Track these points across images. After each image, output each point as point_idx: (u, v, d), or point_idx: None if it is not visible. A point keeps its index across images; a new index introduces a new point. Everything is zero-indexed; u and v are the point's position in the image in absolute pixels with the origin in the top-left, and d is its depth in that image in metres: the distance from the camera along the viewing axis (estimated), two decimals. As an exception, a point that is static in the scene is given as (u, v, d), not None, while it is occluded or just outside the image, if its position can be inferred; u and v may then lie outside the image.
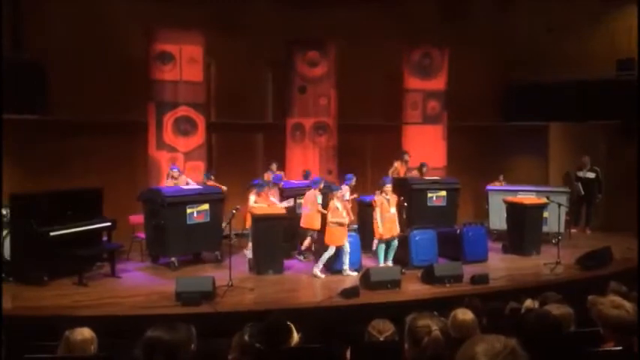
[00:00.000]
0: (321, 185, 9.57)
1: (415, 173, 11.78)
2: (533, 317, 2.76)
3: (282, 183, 10.18)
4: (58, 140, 10.61)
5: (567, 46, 12.51)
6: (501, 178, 12.45)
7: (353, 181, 9.74)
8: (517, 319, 3.10)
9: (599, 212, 12.72)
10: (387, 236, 9.07)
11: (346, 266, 8.89)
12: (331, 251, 8.79)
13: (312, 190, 9.54)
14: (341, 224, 8.77)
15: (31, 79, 9.90)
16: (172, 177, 9.86)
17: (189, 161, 10.83)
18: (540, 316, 2.75)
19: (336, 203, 8.83)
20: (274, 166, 10.90)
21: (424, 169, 11.73)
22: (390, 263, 9.10)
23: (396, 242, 9.17)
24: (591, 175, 12.45)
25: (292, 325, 3.74)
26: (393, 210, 9.07)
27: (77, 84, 10.47)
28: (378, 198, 9.09)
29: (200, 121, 10.98)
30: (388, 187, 9.10)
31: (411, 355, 2.62)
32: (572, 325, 3.84)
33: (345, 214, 8.81)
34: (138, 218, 9.87)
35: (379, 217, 8.98)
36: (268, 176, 10.47)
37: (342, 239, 8.83)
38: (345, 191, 9.18)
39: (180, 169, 10.16)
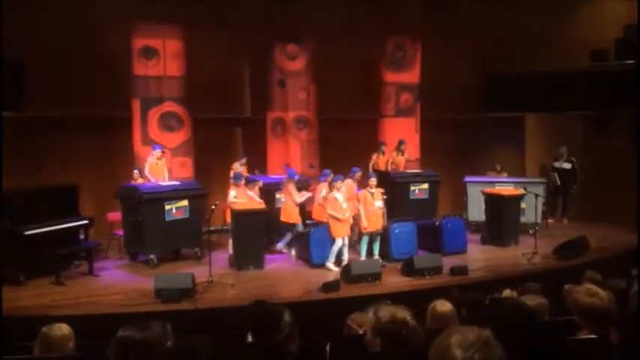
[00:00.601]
0: (330, 178, 9.42)
1: (395, 154, 11.85)
2: (506, 306, 2.78)
3: (297, 177, 10.12)
4: (38, 137, 10.44)
5: (543, 37, 12.62)
6: (499, 167, 12.47)
7: (358, 175, 9.74)
8: (492, 309, 3.12)
9: (575, 202, 12.89)
10: (370, 230, 9.10)
11: (332, 259, 8.92)
12: (339, 243, 8.86)
13: (322, 183, 9.55)
14: (337, 219, 8.81)
15: (9, 76, 9.68)
16: (155, 157, 9.92)
17: (175, 157, 10.72)
18: (513, 306, 2.77)
19: (335, 195, 8.87)
20: (244, 160, 10.83)
21: (402, 147, 11.87)
22: (377, 256, 9.12)
23: (379, 236, 9.22)
24: (567, 165, 12.60)
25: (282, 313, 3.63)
26: (378, 203, 9.10)
27: (56, 80, 10.31)
28: (361, 192, 9.14)
29: (185, 116, 10.86)
30: (372, 181, 9.16)
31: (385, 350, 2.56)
32: (547, 316, 3.88)
33: (345, 206, 8.84)
34: (116, 215, 9.76)
35: (363, 211, 9.01)
36: (235, 168, 10.43)
37: (343, 231, 8.88)
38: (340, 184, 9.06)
39: (163, 150, 10.13)
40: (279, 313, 3.54)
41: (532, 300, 3.84)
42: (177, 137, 10.83)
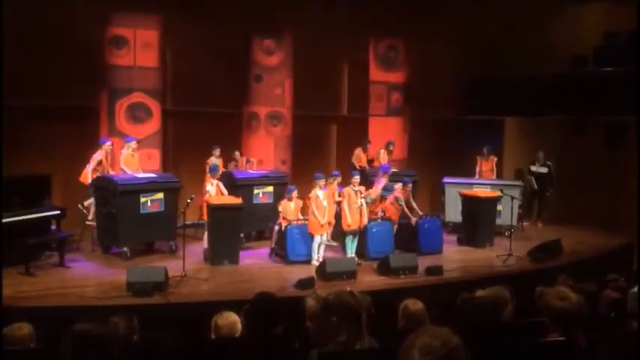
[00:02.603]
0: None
1: (383, 153, 11.88)
2: (475, 306, 2.78)
3: (389, 171, 10.22)
4: (9, 126, 10.15)
5: (525, 42, 12.71)
6: (485, 151, 12.23)
7: (339, 178, 9.70)
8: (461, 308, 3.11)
9: (550, 206, 13.00)
10: (354, 227, 9.10)
11: (315, 257, 8.95)
12: (317, 240, 8.96)
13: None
14: (317, 219, 8.90)
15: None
16: (131, 149, 9.75)
17: (142, 149, 10.53)
18: (481, 305, 2.77)
19: (317, 192, 8.95)
20: (218, 151, 10.70)
21: (391, 147, 11.91)
22: (353, 254, 9.12)
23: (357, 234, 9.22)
24: (544, 169, 12.68)
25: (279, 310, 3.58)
26: (361, 201, 9.08)
27: (28, 68, 10.05)
28: (345, 189, 9.14)
29: (155, 108, 10.69)
30: (356, 179, 9.16)
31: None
32: (510, 306, 3.83)
33: (325, 204, 8.92)
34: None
35: (347, 208, 9.01)
36: (211, 161, 10.32)
37: (321, 229, 8.96)
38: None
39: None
40: (282, 305, 3.49)
41: (489, 291, 3.82)
42: (145, 129, 10.62)
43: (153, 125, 10.71)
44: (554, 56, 12.56)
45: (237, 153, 11.13)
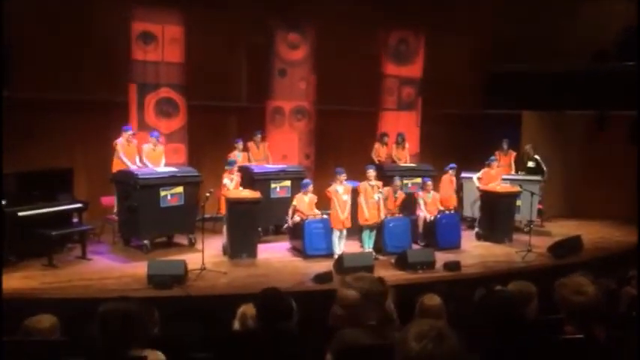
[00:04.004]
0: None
1: (394, 148, 11.89)
2: (493, 301, 2.77)
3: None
4: (32, 119, 10.33)
5: (545, 35, 12.55)
6: (505, 146, 12.03)
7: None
8: (480, 303, 3.10)
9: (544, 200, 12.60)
10: (370, 222, 9.10)
11: (337, 250, 8.97)
12: (337, 234, 8.99)
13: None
14: (337, 212, 8.95)
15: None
16: (152, 143, 9.94)
17: (170, 143, 10.66)
18: (499, 300, 2.76)
19: (337, 187, 8.98)
20: (240, 145, 10.75)
21: (399, 139, 11.88)
22: (371, 249, 9.13)
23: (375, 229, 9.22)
24: (531, 164, 12.15)
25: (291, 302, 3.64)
26: (377, 196, 9.08)
27: (52, 62, 10.20)
28: (361, 184, 9.14)
29: (181, 102, 10.81)
30: (370, 173, 9.14)
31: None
32: (535, 301, 3.80)
33: (345, 198, 8.96)
34: (110, 200, 9.73)
35: (364, 203, 9.02)
36: (234, 156, 10.36)
37: (342, 223, 8.99)
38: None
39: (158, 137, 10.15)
40: (290, 300, 3.55)
41: (514, 286, 3.79)
42: (173, 123, 10.75)
43: (179, 120, 10.83)
44: (576, 50, 12.38)
45: (258, 136, 11.05)
